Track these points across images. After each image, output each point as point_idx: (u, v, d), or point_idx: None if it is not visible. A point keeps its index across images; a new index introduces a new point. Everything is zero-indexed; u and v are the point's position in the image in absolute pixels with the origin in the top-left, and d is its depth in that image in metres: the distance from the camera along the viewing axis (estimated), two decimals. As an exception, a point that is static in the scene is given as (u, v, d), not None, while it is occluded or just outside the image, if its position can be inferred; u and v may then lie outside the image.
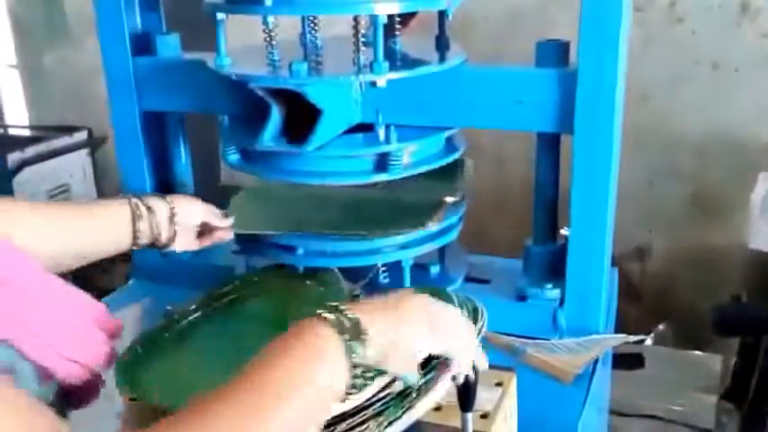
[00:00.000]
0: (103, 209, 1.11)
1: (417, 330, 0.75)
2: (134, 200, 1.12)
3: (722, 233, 2.32)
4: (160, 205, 1.14)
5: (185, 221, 1.18)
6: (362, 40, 1.13)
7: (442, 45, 1.25)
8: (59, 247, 1.00)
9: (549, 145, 1.22)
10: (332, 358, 0.69)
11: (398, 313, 0.75)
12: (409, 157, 1.18)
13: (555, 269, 1.23)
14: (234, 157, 1.25)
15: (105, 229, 1.10)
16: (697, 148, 2.35)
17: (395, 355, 0.73)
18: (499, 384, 0.91)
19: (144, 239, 1.13)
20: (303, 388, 0.67)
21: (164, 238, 1.15)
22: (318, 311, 0.72)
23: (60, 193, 3.15)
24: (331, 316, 0.71)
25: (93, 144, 3.27)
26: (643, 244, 2.47)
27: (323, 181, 1.19)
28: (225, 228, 1.24)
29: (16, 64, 3.68)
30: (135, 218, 1.11)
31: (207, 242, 1.24)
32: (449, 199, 1.26)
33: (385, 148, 1.16)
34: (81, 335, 0.77)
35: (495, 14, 2.47)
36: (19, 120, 3.70)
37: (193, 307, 1.19)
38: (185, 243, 1.20)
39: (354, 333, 0.70)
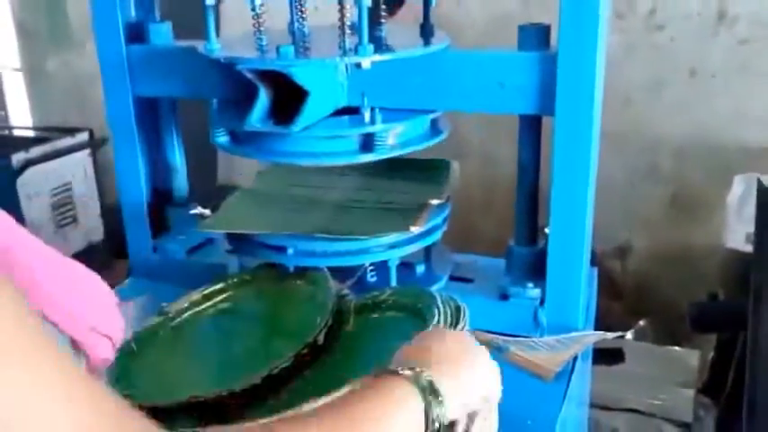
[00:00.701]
0: None
1: (480, 388, 0.78)
2: None
3: (700, 233, 2.32)
4: None
5: None
6: (348, 24, 1.12)
7: (426, 31, 1.24)
8: None
9: (531, 139, 1.21)
10: (412, 410, 0.69)
11: (467, 372, 0.77)
12: (395, 138, 1.17)
13: (536, 269, 1.22)
14: (223, 138, 1.23)
15: None
16: (676, 151, 2.36)
17: (461, 412, 0.76)
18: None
19: None
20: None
21: None
22: (397, 368, 0.72)
23: (63, 192, 3.15)
24: (409, 373, 0.71)
25: (94, 145, 3.27)
26: (624, 243, 2.48)
27: (310, 161, 1.17)
28: None
29: (20, 67, 3.67)
30: None
31: None
32: (433, 201, 1.26)
33: (370, 129, 1.14)
34: (108, 313, 0.78)
35: (480, 21, 2.46)
36: (23, 121, 3.69)
37: (186, 305, 1.19)
38: None
39: (431, 393, 0.71)
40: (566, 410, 1.06)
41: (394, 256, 1.21)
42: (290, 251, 1.20)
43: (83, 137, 3.25)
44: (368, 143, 1.15)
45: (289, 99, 1.09)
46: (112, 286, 1.49)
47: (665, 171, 2.38)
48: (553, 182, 1.13)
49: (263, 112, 1.12)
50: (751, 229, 1.84)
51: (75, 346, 0.74)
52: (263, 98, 1.11)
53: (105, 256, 3.17)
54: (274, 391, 0.92)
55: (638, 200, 2.42)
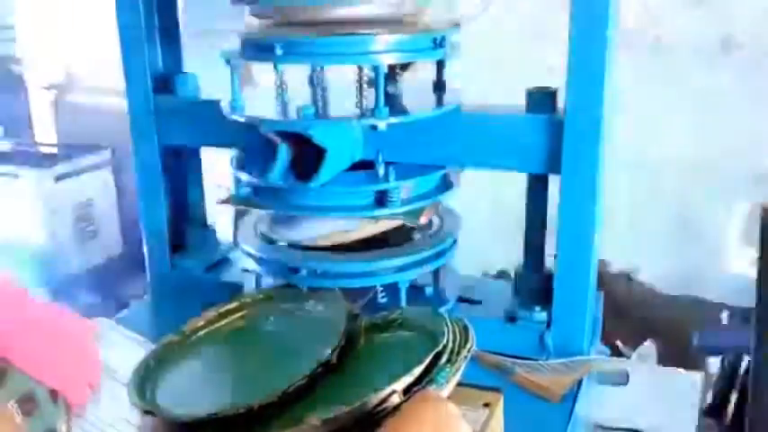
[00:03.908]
0: None
1: None
2: None
3: (706, 257, 2.31)
4: None
5: None
6: (366, 80, 1.14)
7: (439, 89, 1.27)
8: None
9: (539, 185, 1.23)
10: None
11: None
12: (407, 192, 1.19)
13: (543, 293, 1.23)
14: (244, 191, 1.25)
15: None
16: (683, 175, 2.36)
17: None
18: (486, 405, 0.91)
19: None
20: None
21: None
22: None
23: (85, 207, 3.19)
24: None
25: (116, 162, 3.31)
26: (630, 266, 2.47)
27: (328, 214, 1.20)
28: None
29: (48, 85, 3.72)
30: None
31: None
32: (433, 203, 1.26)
33: (384, 186, 1.17)
34: (83, 356, 0.79)
35: (507, 27, 2.42)
36: (49, 139, 3.73)
37: (203, 323, 1.20)
38: None
39: None
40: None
41: (404, 279, 1.22)
42: (304, 272, 1.21)
43: (105, 155, 3.30)
44: (381, 198, 1.18)
45: (308, 152, 1.12)
46: (130, 301, 1.52)
47: (672, 195, 2.38)
48: (559, 233, 1.15)
49: (283, 168, 1.15)
50: (756, 253, 1.84)
51: (54, 394, 0.76)
52: (284, 155, 1.14)
53: (124, 269, 3.20)
54: (289, 408, 0.93)
55: (645, 223, 2.42)
